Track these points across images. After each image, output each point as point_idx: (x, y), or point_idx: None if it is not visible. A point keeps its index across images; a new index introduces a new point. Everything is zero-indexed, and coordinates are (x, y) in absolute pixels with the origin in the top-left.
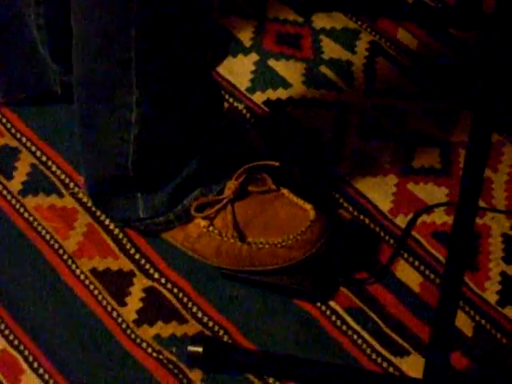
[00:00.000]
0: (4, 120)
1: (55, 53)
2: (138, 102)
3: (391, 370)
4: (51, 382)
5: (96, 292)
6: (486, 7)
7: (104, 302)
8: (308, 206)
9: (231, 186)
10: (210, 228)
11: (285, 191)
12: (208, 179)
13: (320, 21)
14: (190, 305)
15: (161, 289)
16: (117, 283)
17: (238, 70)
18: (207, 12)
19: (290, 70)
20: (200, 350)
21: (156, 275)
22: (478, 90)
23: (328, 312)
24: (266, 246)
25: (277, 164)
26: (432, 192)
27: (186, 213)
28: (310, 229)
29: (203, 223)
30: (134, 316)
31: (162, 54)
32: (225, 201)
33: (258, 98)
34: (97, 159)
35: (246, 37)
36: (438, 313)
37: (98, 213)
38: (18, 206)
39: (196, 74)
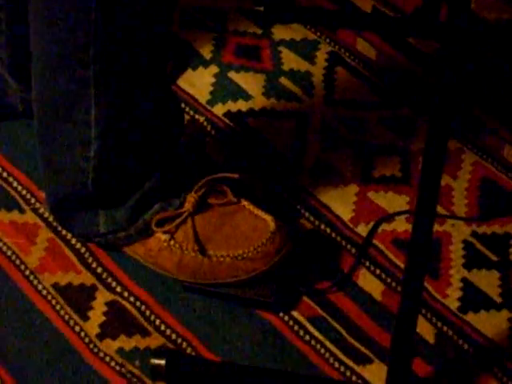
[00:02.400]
0: None
1: (15, 71)
2: (96, 119)
3: (354, 378)
4: None
5: (58, 307)
6: (443, 16)
7: (66, 317)
8: (268, 218)
9: (191, 199)
10: (171, 242)
11: (245, 203)
12: (168, 193)
13: (279, 32)
14: (152, 318)
15: (123, 302)
16: (79, 298)
17: (198, 83)
18: (166, 29)
19: (249, 82)
20: (163, 362)
21: (118, 289)
22: (434, 98)
23: (291, 322)
24: (227, 259)
25: (236, 176)
26: (393, 200)
27: (147, 227)
28: (271, 240)
29: (164, 237)
30: (97, 330)
31: (121, 72)
32: (185, 214)
33: (219, 110)
34: (57, 176)
35: (205, 49)
36: (398, 320)
37: (60, 228)
38: None
39: (155, 89)
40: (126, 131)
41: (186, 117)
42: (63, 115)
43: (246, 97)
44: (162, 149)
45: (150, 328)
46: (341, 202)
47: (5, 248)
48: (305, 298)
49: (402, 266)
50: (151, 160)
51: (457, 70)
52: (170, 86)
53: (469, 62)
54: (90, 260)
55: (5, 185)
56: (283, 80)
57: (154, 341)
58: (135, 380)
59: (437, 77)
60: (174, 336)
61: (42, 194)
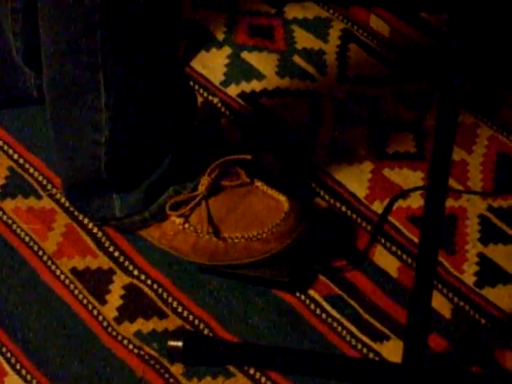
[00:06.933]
0: None
1: (29, 58)
2: (106, 104)
3: (371, 355)
4: (34, 382)
5: (76, 291)
6: None
7: (84, 301)
8: (282, 198)
9: (204, 181)
10: (186, 225)
11: (259, 184)
12: (182, 176)
13: (292, 11)
14: (169, 300)
15: (140, 285)
16: (96, 281)
17: (211, 64)
18: (175, 11)
19: (263, 62)
20: (180, 344)
21: (135, 272)
22: (443, 71)
23: (307, 301)
24: (242, 240)
25: (249, 157)
26: (407, 176)
27: (162, 211)
28: (285, 220)
29: (178, 221)
30: (115, 313)
31: (130, 56)
32: (198, 197)
33: (232, 90)
34: (70, 161)
35: (218, 30)
36: (413, 296)
37: (77, 213)
38: None
39: (165, 73)
40: (136, 116)
41: (200, 98)
42: (73, 101)
43: (260, 77)
44: (175, 132)
45: (167, 310)
46: (356, 180)
47: (22, 234)
48: (321, 277)
49: (418, 242)
50: (163, 144)
51: (465, 40)
52: (181, 69)
53: (478, 36)
54: (107, 244)
55: (21, 171)
56: (296, 59)
57: (172, 323)
58: (153, 362)
59: (445, 49)
60: (191, 317)
61: (58, 180)
